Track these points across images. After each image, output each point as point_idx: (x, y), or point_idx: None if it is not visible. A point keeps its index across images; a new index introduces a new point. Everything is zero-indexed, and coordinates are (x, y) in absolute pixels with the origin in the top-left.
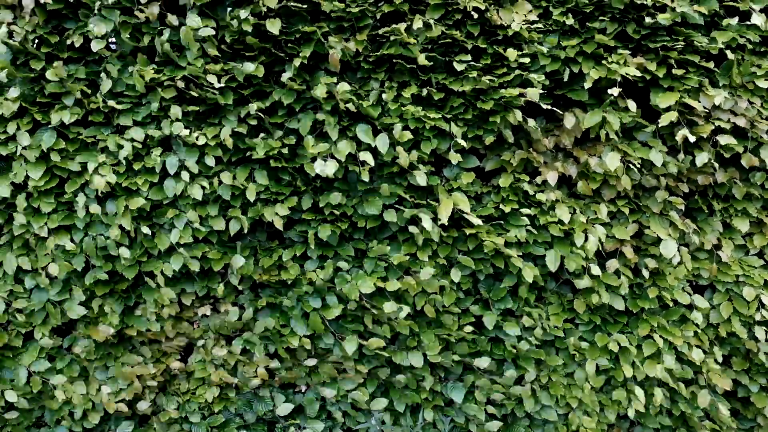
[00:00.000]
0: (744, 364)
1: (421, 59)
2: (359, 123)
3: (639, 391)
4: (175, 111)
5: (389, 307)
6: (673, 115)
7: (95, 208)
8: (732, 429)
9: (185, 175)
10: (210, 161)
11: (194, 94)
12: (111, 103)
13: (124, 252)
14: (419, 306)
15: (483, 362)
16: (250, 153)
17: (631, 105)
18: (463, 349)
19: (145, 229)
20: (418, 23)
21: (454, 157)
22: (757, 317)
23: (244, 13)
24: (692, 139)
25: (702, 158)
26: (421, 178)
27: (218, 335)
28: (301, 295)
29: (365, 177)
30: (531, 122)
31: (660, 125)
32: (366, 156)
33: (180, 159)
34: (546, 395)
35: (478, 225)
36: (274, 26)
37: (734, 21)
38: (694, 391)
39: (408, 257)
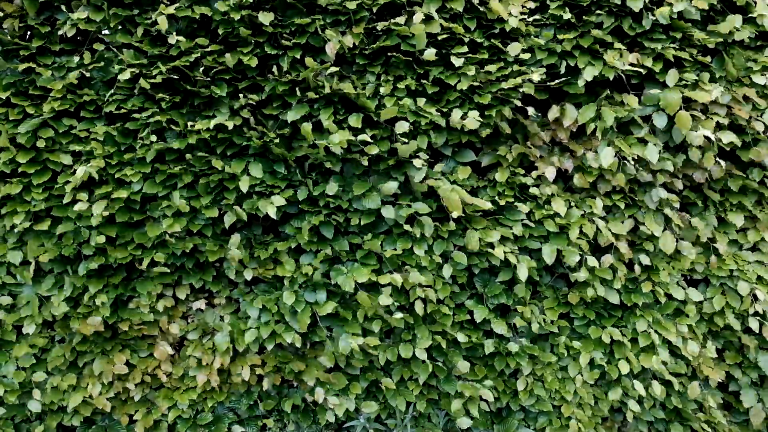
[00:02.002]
0: (737, 357)
1: (429, 54)
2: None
3: (638, 385)
4: (165, 103)
5: (384, 299)
6: (687, 118)
7: (82, 196)
8: (723, 422)
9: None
10: (202, 152)
11: (189, 87)
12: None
13: (100, 239)
14: (412, 298)
15: (463, 366)
16: (246, 145)
17: (632, 100)
18: (460, 343)
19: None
20: (419, 15)
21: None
22: (751, 311)
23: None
24: (713, 137)
25: (709, 159)
26: (419, 174)
27: (212, 330)
28: (296, 290)
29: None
30: (531, 110)
31: (682, 132)
32: (363, 137)
33: (173, 149)
34: (540, 388)
35: (478, 215)
36: (266, 18)
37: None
38: (685, 383)
39: (401, 252)
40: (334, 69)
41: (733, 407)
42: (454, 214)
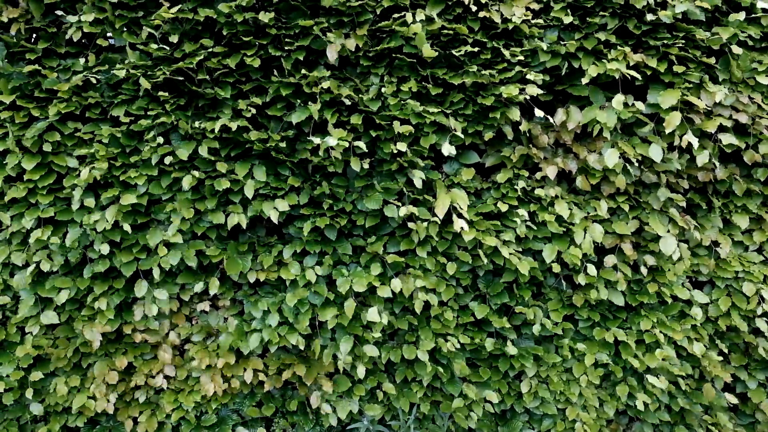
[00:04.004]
0: (743, 359)
1: (426, 49)
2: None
3: (653, 379)
4: (170, 105)
5: (372, 314)
6: (677, 118)
7: (90, 202)
8: (728, 425)
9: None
10: (206, 154)
11: (195, 88)
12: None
13: (104, 248)
14: (415, 302)
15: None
16: (249, 146)
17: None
18: (464, 343)
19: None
20: (420, 16)
21: (447, 149)
22: (758, 312)
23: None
24: (695, 144)
25: (703, 157)
26: (417, 180)
27: (216, 332)
28: (299, 294)
29: (363, 165)
30: (538, 112)
31: (667, 131)
32: (359, 143)
33: (176, 151)
34: (545, 390)
35: (468, 228)
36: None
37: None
38: (692, 386)
39: (403, 258)
40: (327, 73)
41: (739, 409)
42: (439, 215)
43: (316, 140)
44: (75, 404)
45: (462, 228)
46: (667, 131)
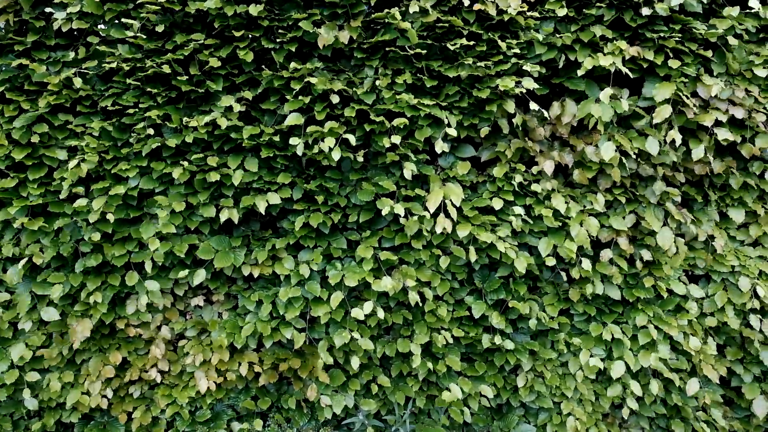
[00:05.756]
0: (738, 353)
1: (413, 36)
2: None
3: (636, 385)
4: (161, 98)
5: (358, 313)
6: (667, 110)
7: (78, 191)
8: (722, 422)
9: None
10: (197, 147)
11: (182, 80)
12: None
13: (96, 236)
14: (409, 296)
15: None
16: (241, 141)
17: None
18: (459, 338)
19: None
20: (414, 8)
21: (441, 146)
22: (748, 307)
23: None
24: (678, 140)
25: (699, 151)
26: (407, 172)
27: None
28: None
29: (357, 158)
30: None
31: (655, 121)
32: (350, 137)
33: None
34: (540, 385)
35: (465, 220)
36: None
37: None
38: (686, 380)
39: (396, 256)
40: (321, 65)
41: (734, 403)
42: (431, 209)
43: (295, 141)
44: (69, 400)
45: (444, 228)
46: (655, 121)
